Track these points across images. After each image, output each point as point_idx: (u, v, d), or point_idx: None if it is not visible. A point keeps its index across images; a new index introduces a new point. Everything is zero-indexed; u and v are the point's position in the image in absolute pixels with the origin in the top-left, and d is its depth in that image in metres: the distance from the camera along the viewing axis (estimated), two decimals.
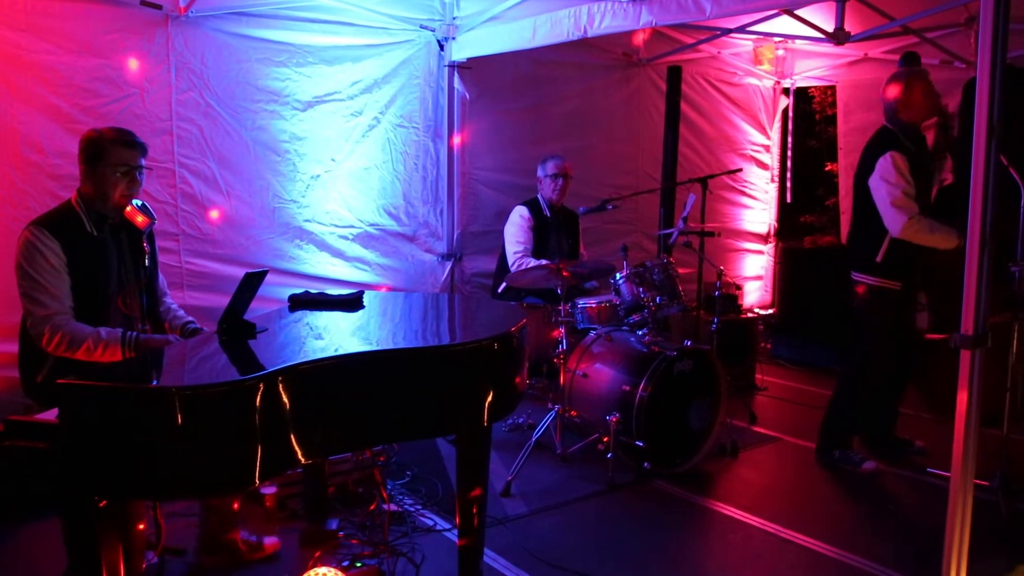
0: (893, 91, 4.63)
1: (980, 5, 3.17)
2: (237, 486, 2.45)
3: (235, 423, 2.21)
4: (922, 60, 6.27)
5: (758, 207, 8.18)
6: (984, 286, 3.14)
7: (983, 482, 3.90)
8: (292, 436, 2.34)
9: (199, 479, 2.22)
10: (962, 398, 3.19)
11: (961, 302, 3.24)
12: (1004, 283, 4.21)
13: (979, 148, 3.10)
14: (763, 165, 8.17)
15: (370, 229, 5.62)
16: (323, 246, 5.41)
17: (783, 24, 6.31)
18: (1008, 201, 4.03)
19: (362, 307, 3.48)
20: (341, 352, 2.54)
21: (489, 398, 2.81)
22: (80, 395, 2.16)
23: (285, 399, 2.31)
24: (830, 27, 5.72)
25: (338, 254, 5.49)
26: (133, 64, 4.58)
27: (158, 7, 4.61)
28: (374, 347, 2.71)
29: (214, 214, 4.96)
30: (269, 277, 5.04)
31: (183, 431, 2.13)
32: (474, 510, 3.15)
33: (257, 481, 2.26)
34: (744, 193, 8.01)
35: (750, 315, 6.96)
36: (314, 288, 5.19)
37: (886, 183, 4.42)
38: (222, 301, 4.74)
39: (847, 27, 5.67)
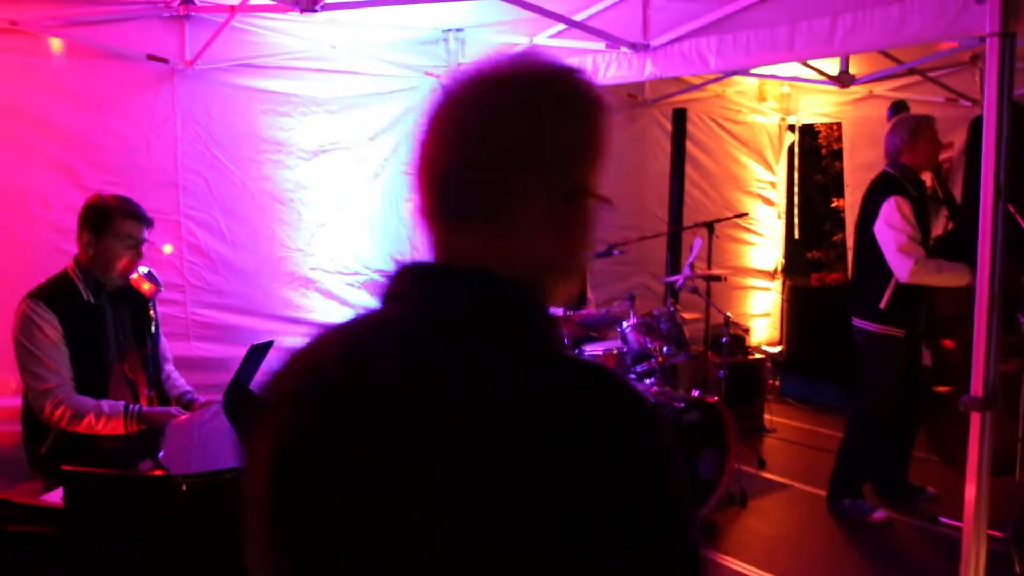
0: (898, 136, 4.62)
1: (986, 51, 3.19)
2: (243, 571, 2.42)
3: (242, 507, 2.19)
4: (927, 98, 6.29)
5: (765, 244, 8.16)
6: (993, 347, 3.12)
7: (996, 533, 3.86)
8: None
9: (207, 565, 2.20)
10: (972, 459, 3.16)
11: (963, 351, 3.23)
12: (1012, 330, 4.18)
13: (986, 209, 3.09)
14: (769, 202, 8.15)
15: (376, 276, 5.61)
16: (329, 294, 5.40)
17: (788, 66, 6.32)
18: (1016, 251, 4.02)
19: None
20: None
21: None
22: (86, 481, 2.15)
23: None
24: (835, 70, 5.75)
25: (345, 302, 5.47)
26: (140, 118, 4.61)
27: (164, 61, 4.63)
28: None
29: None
30: (275, 326, 5.10)
31: (189, 517, 2.12)
32: None
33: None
34: (750, 230, 7.98)
35: (758, 355, 6.92)
36: None
37: (891, 228, 4.40)
38: (228, 351, 4.80)
39: (852, 69, 5.70)
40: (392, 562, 0.86)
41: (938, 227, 5.02)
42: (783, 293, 8.24)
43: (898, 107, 5.13)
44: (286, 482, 0.96)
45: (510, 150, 0.94)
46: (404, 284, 0.98)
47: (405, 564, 0.86)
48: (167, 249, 4.79)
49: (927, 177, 4.76)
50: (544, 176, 0.96)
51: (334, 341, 1.01)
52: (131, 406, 3.06)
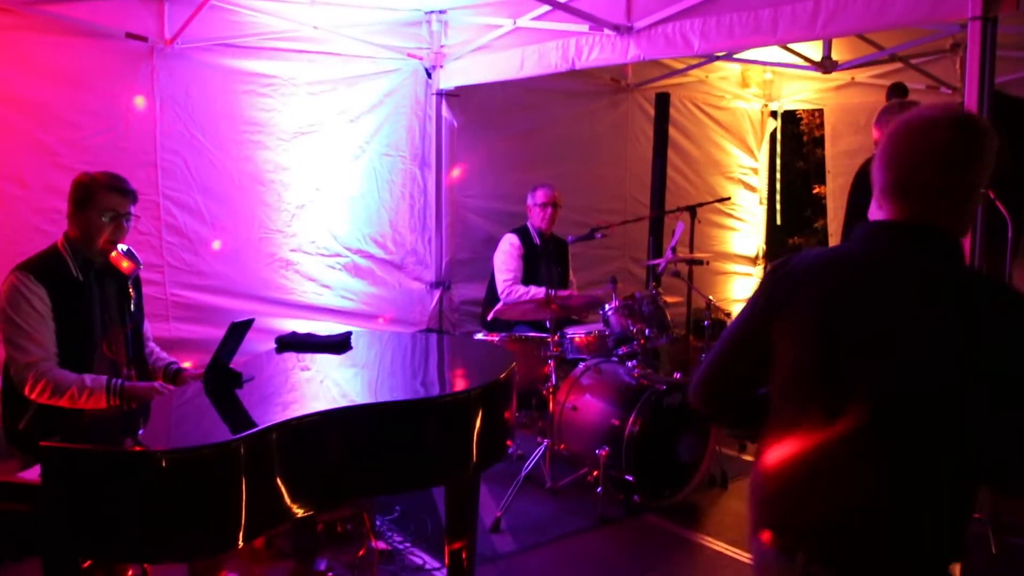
0: (878, 126, 4.66)
1: (967, 36, 3.21)
2: (222, 547, 2.40)
3: (221, 484, 2.17)
4: (908, 86, 6.31)
5: (746, 230, 8.19)
6: None
7: (974, 515, 3.89)
8: (279, 494, 2.31)
9: (184, 542, 2.18)
10: None
11: None
12: None
13: None
14: (751, 188, 8.18)
15: (357, 258, 5.59)
16: (310, 276, 5.37)
17: (771, 52, 6.33)
18: (996, 235, 4.04)
19: (350, 349, 3.44)
20: (329, 407, 2.51)
21: (479, 447, 2.78)
22: (64, 457, 2.12)
23: (272, 457, 2.28)
24: (818, 55, 5.76)
25: (325, 283, 5.45)
26: (118, 96, 4.56)
27: (144, 39, 4.58)
28: (363, 399, 2.68)
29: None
30: (255, 307, 5.06)
31: (168, 494, 2.10)
32: (463, 555, 3.12)
33: (241, 542, 2.23)
34: (732, 216, 8.01)
35: None
36: (301, 319, 5.20)
37: None
38: (208, 332, 4.77)
39: (834, 55, 5.71)
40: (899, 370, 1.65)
41: None
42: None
43: (896, 89, 5.12)
44: (834, 325, 1.72)
45: (942, 163, 1.69)
46: (868, 231, 1.79)
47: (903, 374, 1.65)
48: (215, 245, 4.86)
49: None
50: (962, 179, 1.71)
51: (837, 254, 1.86)
52: (114, 380, 3.04)
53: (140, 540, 2.15)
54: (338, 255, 5.52)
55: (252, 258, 5.16)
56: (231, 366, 2.87)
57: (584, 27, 4.61)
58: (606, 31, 4.49)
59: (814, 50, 5.82)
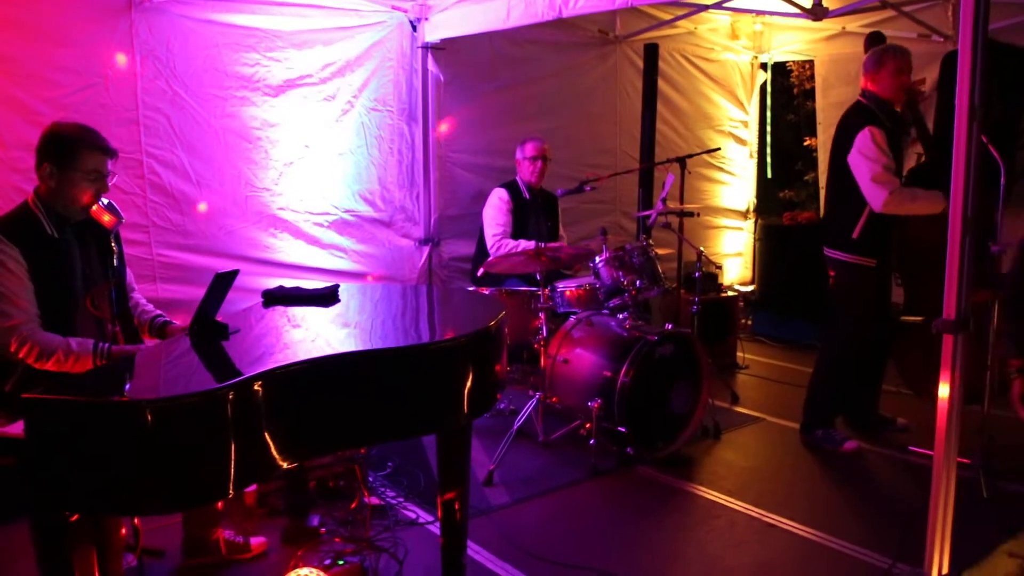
0: (865, 66, 4.65)
1: None
2: (210, 497, 2.39)
3: (208, 433, 2.14)
4: (900, 34, 6.23)
5: (737, 183, 8.14)
6: (966, 271, 3.12)
7: (964, 459, 3.92)
8: (267, 443, 2.28)
9: (171, 492, 2.14)
10: (944, 382, 3.17)
11: (934, 282, 3.23)
12: (985, 261, 4.19)
13: (960, 132, 3.06)
14: (741, 141, 8.12)
15: (345, 215, 5.53)
16: (298, 234, 5.31)
17: (761, 0, 6.24)
18: (988, 182, 4.02)
19: (338, 301, 3.41)
20: (316, 355, 2.48)
21: (470, 395, 2.76)
22: (47, 409, 2.09)
23: (259, 406, 2.24)
24: (808, 2, 5.67)
25: (313, 242, 5.40)
26: (97, 52, 4.46)
27: None
28: (351, 348, 2.64)
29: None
30: (243, 267, 5.00)
31: (154, 444, 2.06)
32: (456, 506, 3.10)
33: (231, 492, 2.20)
34: (723, 170, 7.96)
35: (730, 293, 6.93)
36: (290, 278, 5.15)
37: (865, 158, 4.40)
38: (195, 293, 4.71)
39: (825, 2, 5.62)
40: None
41: (910, 160, 5.03)
42: (755, 232, 8.24)
43: (873, 39, 5.09)
44: None
45: None
46: None
47: None
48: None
49: (900, 108, 4.75)
50: None
51: None
52: (101, 344, 2.98)
53: (126, 492, 2.12)
54: (326, 213, 5.45)
55: (239, 217, 5.09)
56: (217, 318, 2.84)
57: None
58: None
59: None
